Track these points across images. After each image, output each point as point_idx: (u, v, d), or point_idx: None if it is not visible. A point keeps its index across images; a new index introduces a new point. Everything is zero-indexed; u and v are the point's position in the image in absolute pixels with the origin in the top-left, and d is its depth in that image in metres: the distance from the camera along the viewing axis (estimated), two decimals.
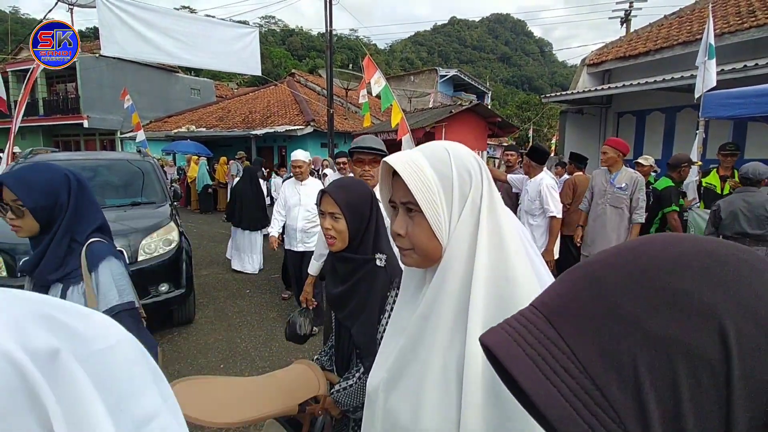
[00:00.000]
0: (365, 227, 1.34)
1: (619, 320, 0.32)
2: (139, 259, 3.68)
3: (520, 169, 5.26)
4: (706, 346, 0.29)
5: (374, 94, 8.07)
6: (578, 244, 4.71)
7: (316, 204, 1.40)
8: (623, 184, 4.03)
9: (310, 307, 2.51)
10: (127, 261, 3.56)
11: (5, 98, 3.84)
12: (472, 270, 0.70)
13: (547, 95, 9.05)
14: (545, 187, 3.66)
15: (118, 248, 3.59)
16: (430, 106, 15.90)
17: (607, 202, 4.11)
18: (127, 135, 16.24)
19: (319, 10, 9.94)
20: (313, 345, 3.60)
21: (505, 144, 20.09)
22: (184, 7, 71.40)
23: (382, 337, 1.23)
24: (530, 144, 17.16)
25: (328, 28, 10.49)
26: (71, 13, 20.84)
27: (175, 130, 15.93)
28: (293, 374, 1.40)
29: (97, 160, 5.09)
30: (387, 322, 1.25)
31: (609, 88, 7.95)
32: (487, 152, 12.91)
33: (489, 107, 12.88)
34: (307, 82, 20.86)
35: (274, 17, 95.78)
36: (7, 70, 19.21)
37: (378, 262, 1.33)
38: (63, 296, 1.39)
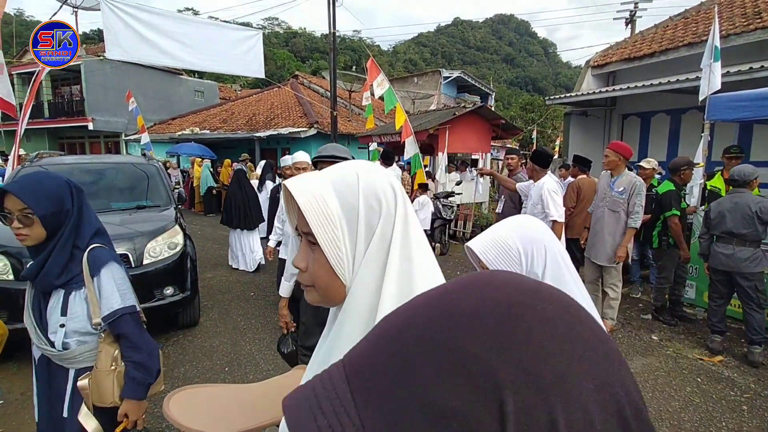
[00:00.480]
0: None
1: (408, 388, 0.28)
2: (145, 262, 3.70)
3: (522, 172, 5.25)
4: (485, 423, 0.26)
5: (377, 97, 8.09)
6: (583, 247, 4.71)
7: None
8: (621, 188, 4.03)
9: (290, 330, 2.44)
10: (133, 264, 3.70)
11: (14, 103, 3.86)
12: (375, 315, 0.63)
13: (551, 97, 9.03)
14: (546, 191, 3.64)
15: (124, 252, 3.69)
16: (434, 107, 15.88)
17: (606, 205, 4.13)
18: (132, 137, 16.31)
19: (323, 12, 9.98)
20: None
21: (508, 146, 20.06)
22: (188, 9, 71.78)
23: None
24: (534, 146, 17.14)
25: (332, 30, 10.51)
26: (75, 15, 20.99)
27: (179, 133, 16.00)
28: (294, 380, 1.39)
29: (103, 163, 5.14)
30: None
31: (614, 89, 7.92)
32: (491, 154, 12.88)
33: (493, 109, 12.86)
34: (310, 84, 20.91)
35: (277, 19, 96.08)
36: (12, 72, 19.32)
37: None
38: (65, 302, 1.42)
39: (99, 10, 6.49)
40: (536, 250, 0.98)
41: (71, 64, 18.50)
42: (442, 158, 9.16)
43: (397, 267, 0.63)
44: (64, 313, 1.42)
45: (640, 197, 3.94)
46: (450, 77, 22.45)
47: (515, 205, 5.05)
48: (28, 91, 9.21)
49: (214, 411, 1.22)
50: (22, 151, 8.66)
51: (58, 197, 1.37)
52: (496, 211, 5.35)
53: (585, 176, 5.27)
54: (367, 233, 0.65)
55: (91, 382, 1.41)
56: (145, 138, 10.64)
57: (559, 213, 3.63)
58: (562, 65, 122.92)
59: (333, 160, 2.28)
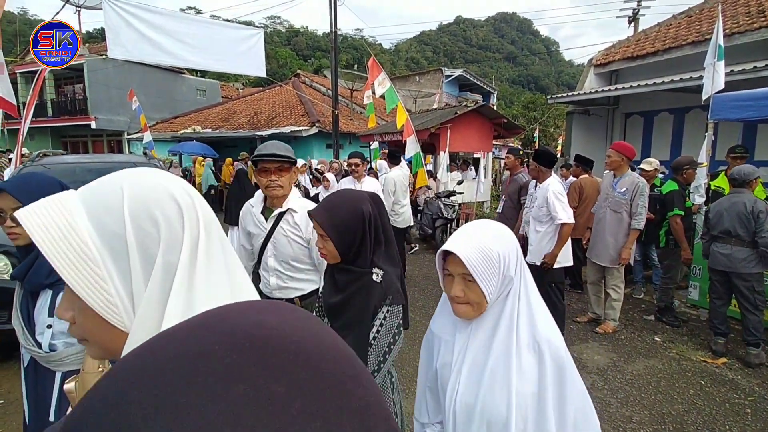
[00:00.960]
0: (358, 244, 1.39)
1: None
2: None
3: (523, 171, 5.22)
4: None
5: (378, 96, 8.06)
6: (585, 247, 4.68)
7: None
8: (624, 189, 3.99)
9: None
10: None
11: (15, 103, 3.86)
12: None
13: (554, 96, 8.98)
14: (552, 193, 3.60)
15: None
16: (435, 106, 15.84)
17: (609, 206, 4.10)
18: (134, 136, 16.32)
19: (325, 11, 9.95)
20: None
21: (510, 145, 19.99)
22: (190, 8, 71.79)
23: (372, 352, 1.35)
24: (536, 145, 17.06)
25: (333, 29, 10.49)
26: (78, 14, 20.95)
27: (181, 131, 16.01)
28: None
29: (104, 162, 5.19)
30: (375, 338, 1.34)
31: (616, 89, 7.88)
32: (493, 153, 12.84)
33: (495, 107, 12.82)
34: (312, 82, 20.90)
35: (279, 17, 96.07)
36: (16, 71, 19.38)
37: (374, 277, 1.39)
38: (53, 302, 1.40)
39: (101, 9, 6.50)
40: (510, 253, 1.04)
41: (74, 63, 18.49)
42: (443, 157, 9.14)
43: (180, 302, 0.49)
44: (51, 313, 1.41)
45: (643, 198, 3.91)
46: (452, 76, 22.40)
47: (514, 204, 5.02)
48: (31, 89, 9.25)
49: None
50: (25, 150, 8.68)
51: (45, 193, 1.38)
52: (497, 210, 5.31)
53: (587, 176, 5.24)
54: (145, 265, 0.50)
55: (77, 385, 1.40)
56: (148, 137, 10.65)
57: (567, 215, 3.59)
58: (565, 63, 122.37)
59: (273, 160, 2.04)
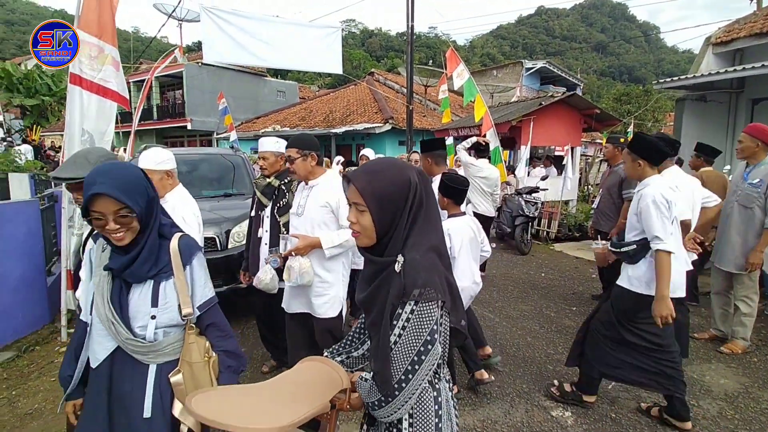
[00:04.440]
0: (397, 223, 1.09)
1: None
2: (229, 246, 3.91)
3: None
4: None
5: (456, 88, 7.71)
6: (710, 250, 3.97)
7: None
8: (757, 180, 3.25)
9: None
10: (219, 248, 3.83)
11: (127, 97, 4.19)
12: None
13: (661, 80, 7.85)
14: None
15: (212, 235, 3.82)
16: (515, 100, 14.94)
17: (737, 200, 3.38)
18: (222, 135, 17.58)
19: (398, 12, 9.75)
20: None
21: (598, 141, 18.26)
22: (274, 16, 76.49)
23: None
24: (626, 140, 15.29)
25: (409, 23, 10.26)
26: (180, 28, 23.08)
27: (263, 130, 16.90)
28: (313, 372, 1.28)
29: (197, 154, 5.80)
30: (397, 342, 1.04)
31: (743, 69, 6.63)
32: (581, 149, 11.72)
33: None
34: (386, 80, 20.94)
35: (354, 20, 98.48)
36: (129, 81, 22.00)
37: (396, 266, 1.07)
38: (155, 291, 1.35)
39: (199, 21, 7.00)
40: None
41: (175, 71, 20.46)
42: (524, 151, 8.47)
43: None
44: (155, 303, 1.34)
45: None
46: (533, 68, 21.07)
47: (614, 199, 4.43)
48: (140, 95, 10.37)
49: (251, 407, 1.13)
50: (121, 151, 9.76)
51: (144, 187, 1.31)
52: (593, 206, 4.72)
53: (709, 168, 4.39)
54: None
55: (185, 376, 1.35)
56: (233, 135, 11.34)
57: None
58: (666, 50, 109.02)
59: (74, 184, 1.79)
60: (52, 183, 7.10)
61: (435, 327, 1.04)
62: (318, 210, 2.46)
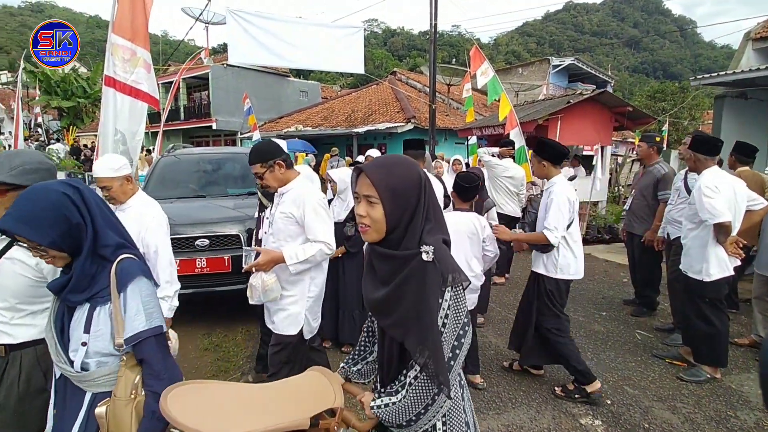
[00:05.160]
0: (410, 217, 1.08)
1: None
2: (254, 245, 3.86)
3: (660, 162, 4.36)
4: None
5: (480, 86, 7.56)
6: (753, 255, 3.78)
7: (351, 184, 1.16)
8: None
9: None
10: (243, 245, 3.83)
11: (158, 98, 4.29)
12: None
13: (698, 77, 7.47)
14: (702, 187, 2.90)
15: (236, 233, 3.79)
16: (541, 98, 14.57)
17: None
18: (246, 135, 17.86)
19: (421, 10, 9.63)
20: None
21: (630, 140, 17.63)
22: (298, 17, 77.56)
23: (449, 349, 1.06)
24: (664, 139, 14.68)
25: (432, 21, 10.12)
26: (207, 31, 23.55)
27: (285, 130, 17.08)
28: (306, 383, 1.25)
29: (222, 153, 5.98)
30: (447, 332, 1.04)
31: None
32: (611, 148, 11.31)
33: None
34: (408, 79, 20.82)
35: (376, 20, 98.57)
36: (158, 82, 22.65)
37: (424, 256, 1.05)
38: (89, 317, 1.26)
39: (225, 23, 7.11)
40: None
41: (202, 72, 20.86)
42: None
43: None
44: (87, 329, 1.26)
45: None
46: (560, 65, 20.51)
47: (649, 201, 4.23)
48: (168, 96, 10.65)
49: (218, 410, 1.11)
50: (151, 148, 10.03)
51: (58, 218, 1.20)
52: (624, 208, 4.53)
53: (747, 168, 4.12)
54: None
55: (108, 411, 1.24)
56: (257, 135, 11.47)
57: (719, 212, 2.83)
58: (703, 45, 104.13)
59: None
60: (87, 180, 7.35)
61: (466, 308, 1.08)
62: (283, 221, 2.29)
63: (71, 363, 1.25)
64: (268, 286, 2.23)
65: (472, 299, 2.93)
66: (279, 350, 2.33)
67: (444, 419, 1.12)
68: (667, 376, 3.26)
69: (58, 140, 16.43)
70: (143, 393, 1.27)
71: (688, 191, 3.49)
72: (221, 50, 37.98)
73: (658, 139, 4.41)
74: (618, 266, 6.39)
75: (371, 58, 51.18)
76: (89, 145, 19.91)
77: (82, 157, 14.67)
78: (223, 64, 21.05)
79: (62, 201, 1.22)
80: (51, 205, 1.20)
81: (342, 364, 1.37)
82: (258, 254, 2.28)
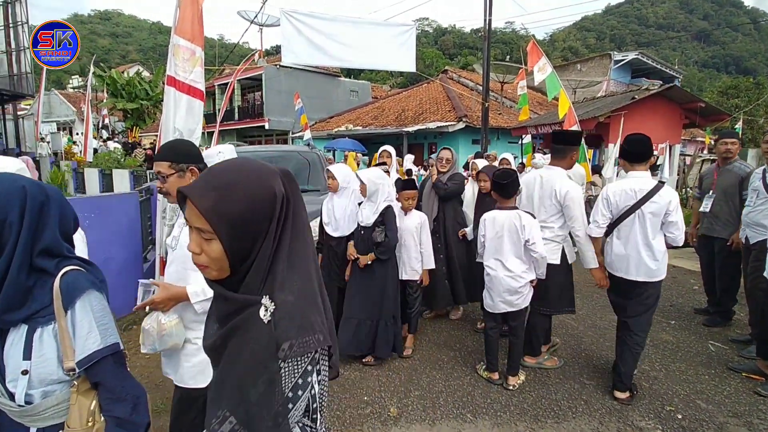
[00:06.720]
0: (258, 249, 0.83)
1: None
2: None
3: (738, 161, 4.00)
4: None
5: (537, 83, 7.27)
6: None
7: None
8: None
9: None
10: None
11: (203, 90, 4.50)
12: None
13: None
14: None
15: None
16: (601, 95, 13.79)
17: None
18: (297, 134, 18.40)
19: (473, 7, 9.41)
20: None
21: (699, 138, 16.27)
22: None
23: None
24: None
25: (487, 17, 9.88)
26: (261, 33, 24.47)
27: (336, 129, 17.39)
28: None
29: (275, 151, 6.16)
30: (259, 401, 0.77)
31: None
32: (680, 147, 10.49)
33: None
34: (459, 77, 20.50)
35: (427, 18, 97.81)
36: (215, 84, 23.93)
37: (261, 312, 0.80)
38: (29, 341, 1.09)
39: (279, 26, 7.35)
40: None
41: (256, 74, 21.74)
42: (612, 150, 7.75)
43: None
44: (28, 356, 1.08)
45: None
46: (623, 60, 19.31)
47: (733, 202, 3.88)
48: (224, 98, 11.21)
49: None
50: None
51: None
52: (701, 209, 4.19)
53: None
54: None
55: None
56: (308, 134, 11.78)
57: None
58: None
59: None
60: (148, 178, 7.85)
61: (299, 381, 0.81)
62: None
63: (11, 396, 1.08)
64: (166, 331, 1.71)
65: (511, 300, 2.96)
66: (189, 411, 1.82)
67: None
68: (743, 391, 3.00)
69: (109, 139, 17.81)
70: (102, 419, 1.13)
71: None
72: (274, 52, 39.40)
73: (742, 136, 4.03)
74: (688, 272, 5.89)
75: (422, 57, 50.92)
76: (148, 145, 21.44)
77: (143, 157, 15.84)
78: (275, 65, 21.81)
79: (13, 194, 1.08)
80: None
81: None
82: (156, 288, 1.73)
